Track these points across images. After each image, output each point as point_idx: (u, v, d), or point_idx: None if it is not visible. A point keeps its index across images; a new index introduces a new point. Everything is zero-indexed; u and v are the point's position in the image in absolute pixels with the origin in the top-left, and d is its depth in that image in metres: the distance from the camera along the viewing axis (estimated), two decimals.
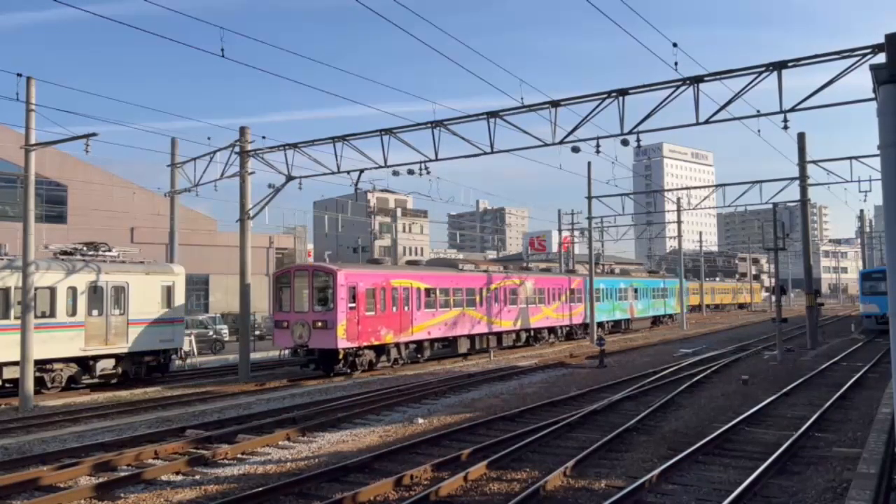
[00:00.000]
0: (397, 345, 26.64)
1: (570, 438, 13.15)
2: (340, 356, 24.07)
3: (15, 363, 19.08)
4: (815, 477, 10.19)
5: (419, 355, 28.11)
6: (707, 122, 19.30)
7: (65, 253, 22.79)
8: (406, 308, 26.89)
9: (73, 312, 21.57)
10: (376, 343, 25.39)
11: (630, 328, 46.93)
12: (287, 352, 25.08)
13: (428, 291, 28.26)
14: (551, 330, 38.07)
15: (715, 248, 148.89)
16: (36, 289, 19.89)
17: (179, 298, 24.73)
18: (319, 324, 23.69)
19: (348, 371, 24.38)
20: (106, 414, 17.24)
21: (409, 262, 33.45)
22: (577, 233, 55.14)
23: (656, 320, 52.23)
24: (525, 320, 34.62)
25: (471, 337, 30.80)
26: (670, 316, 54.70)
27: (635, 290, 47.63)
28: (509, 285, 33.58)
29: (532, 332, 35.99)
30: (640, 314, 48.28)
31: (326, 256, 64.33)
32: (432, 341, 28.73)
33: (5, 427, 15.39)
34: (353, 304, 24.30)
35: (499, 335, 32.92)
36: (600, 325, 41.97)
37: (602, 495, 9.37)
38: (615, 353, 30.31)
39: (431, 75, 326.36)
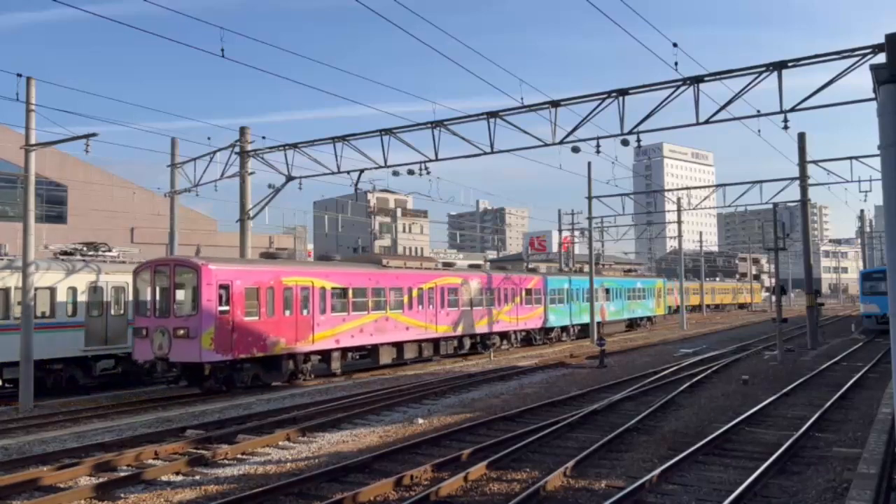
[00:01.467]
0: (293, 356, 22.04)
1: (570, 438, 13.15)
2: (206, 372, 19.68)
3: (15, 363, 19.07)
4: (815, 477, 10.19)
5: (329, 367, 23.79)
6: (707, 122, 19.33)
7: (65, 253, 22.79)
8: (305, 311, 22.28)
9: (74, 313, 21.57)
10: (260, 354, 20.74)
11: (601, 333, 40.83)
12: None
13: (337, 291, 23.70)
14: (503, 335, 33.43)
15: (715, 248, 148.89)
16: (36, 289, 19.89)
17: None
18: (181, 332, 19.24)
19: (223, 389, 20.31)
20: (106, 414, 17.23)
21: (321, 258, 28.42)
22: (577, 233, 55.10)
23: (632, 324, 48.00)
24: (469, 325, 30.24)
25: (397, 345, 26.44)
26: (649, 319, 50.42)
27: (606, 291, 42.80)
28: (448, 285, 29.20)
29: (479, 338, 31.54)
30: (612, 317, 43.48)
31: None
32: (344, 351, 24.20)
33: (5, 427, 15.39)
34: (226, 308, 19.79)
35: (435, 342, 28.59)
36: (565, 329, 38.80)
37: (602, 495, 9.37)
38: (615, 354, 30.30)
39: (431, 75, 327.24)
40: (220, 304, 19.79)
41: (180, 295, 20.49)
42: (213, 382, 20.09)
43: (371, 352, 25.63)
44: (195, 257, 21.67)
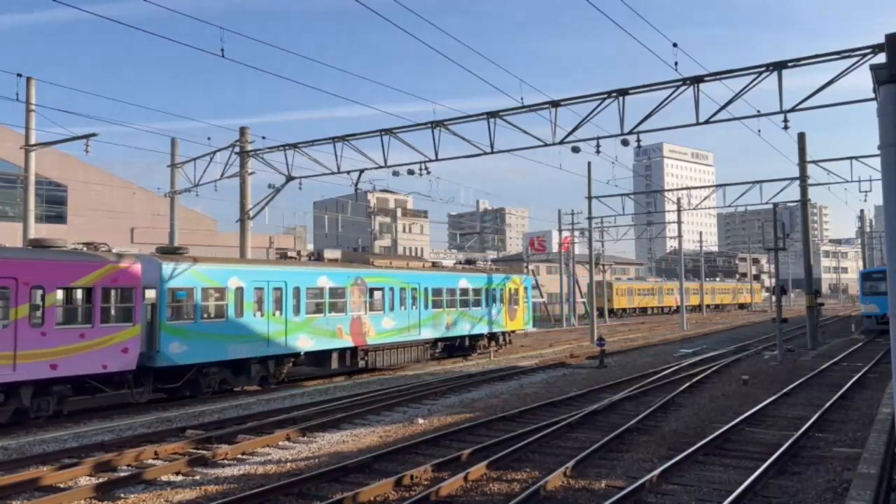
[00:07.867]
0: None
1: (570, 438, 13.15)
2: None
3: None
4: (815, 477, 10.20)
5: None
6: (707, 122, 19.33)
7: None
8: None
9: None
10: None
11: (364, 363, 24.20)
12: None
13: None
14: None
15: (715, 249, 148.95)
16: None
17: None
18: None
19: None
20: (106, 414, 17.22)
21: None
22: (577, 233, 55.11)
23: (458, 346, 29.64)
24: None
25: None
26: (493, 337, 31.60)
27: (382, 293, 25.01)
28: None
29: None
30: (390, 337, 25.18)
31: None
32: None
33: (5, 427, 15.38)
34: None
35: None
36: (278, 359, 21.27)
37: (602, 495, 9.37)
38: (615, 354, 30.31)
39: (431, 75, 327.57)
40: None
41: None
42: None
43: None
44: None
